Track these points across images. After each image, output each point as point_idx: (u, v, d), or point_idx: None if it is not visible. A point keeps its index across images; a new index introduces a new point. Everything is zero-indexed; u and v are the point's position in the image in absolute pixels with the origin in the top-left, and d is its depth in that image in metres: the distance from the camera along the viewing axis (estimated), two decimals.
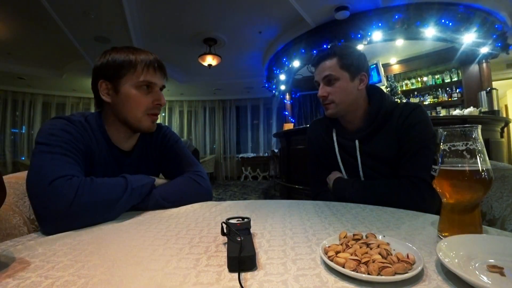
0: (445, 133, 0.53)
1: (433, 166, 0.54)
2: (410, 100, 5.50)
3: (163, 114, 9.36)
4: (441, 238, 0.50)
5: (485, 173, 0.49)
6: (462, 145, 0.50)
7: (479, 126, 0.51)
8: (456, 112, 4.01)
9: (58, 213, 0.61)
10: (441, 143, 0.53)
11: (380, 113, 0.99)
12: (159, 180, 0.89)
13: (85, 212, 0.64)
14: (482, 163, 0.49)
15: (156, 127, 0.92)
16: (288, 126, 5.62)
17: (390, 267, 0.35)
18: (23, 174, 0.85)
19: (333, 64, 0.99)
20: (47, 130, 0.73)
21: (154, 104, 0.86)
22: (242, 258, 0.39)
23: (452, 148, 0.51)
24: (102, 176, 0.79)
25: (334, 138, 1.07)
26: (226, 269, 0.40)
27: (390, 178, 0.97)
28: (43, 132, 0.73)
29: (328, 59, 1.00)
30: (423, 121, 0.95)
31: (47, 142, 0.70)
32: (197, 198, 0.89)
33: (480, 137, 0.51)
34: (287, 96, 7.18)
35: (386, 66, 5.69)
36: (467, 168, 0.49)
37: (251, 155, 9.00)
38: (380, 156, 0.98)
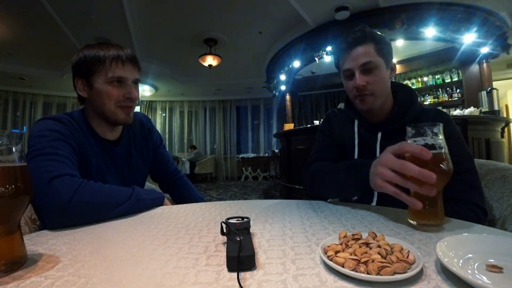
0: (413, 131, 0.59)
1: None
2: None
3: (164, 114, 9.38)
4: (410, 222, 0.58)
5: (445, 164, 0.55)
6: (421, 140, 0.58)
7: (441, 124, 0.58)
8: (457, 112, 4.00)
9: (56, 209, 0.63)
10: (408, 139, 0.60)
11: (410, 112, 0.92)
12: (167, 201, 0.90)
13: (82, 211, 0.66)
14: (443, 154, 0.56)
15: (132, 118, 0.93)
16: (289, 126, 5.62)
17: (389, 267, 0.35)
18: None
19: (371, 49, 0.88)
20: (36, 132, 0.76)
21: (125, 97, 0.87)
22: (241, 257, 0.39)
23: (414, 143, 0.58)
24: (97, 167, 0.85)
25: (356, 129, 1.01)
26: (226, 269, 0.40)
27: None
28: (32, 135, 0.76)
29: (363, 43, 0.88)
30: (461, 136, 0.89)
31: (38, 145, 0.72)
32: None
33: (442, 133, 0.58)
34: (288, 96, 7.19)
35: None
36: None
37: (251, 155, 9.01)
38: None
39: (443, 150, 0.56)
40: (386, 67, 0.91)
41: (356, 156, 1.00)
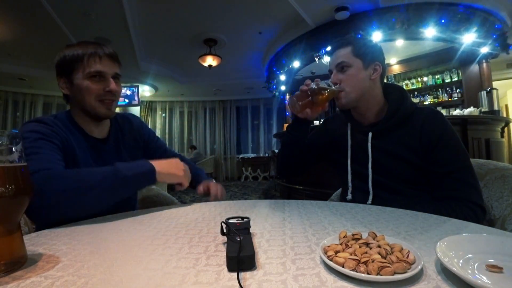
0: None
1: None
2: None
3: (164, 115, 9.37)
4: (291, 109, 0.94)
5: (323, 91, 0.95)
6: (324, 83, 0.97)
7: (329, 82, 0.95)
8: (457, 112, 4.01)
9: (35, 206, 0.62)
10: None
11: (400, 111, 0.95)
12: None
13: (55, 200, 0.65)
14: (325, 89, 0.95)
15: (114, 112, 0.95)
16: None
17: (389, 267, 0.35)
18: None
19: (347, 52, 0.98)
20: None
21: (105, 91, 0.89)
22: (241, 257, 0.39)
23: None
24: (86, 163, 0.85)
25: (348, 132, 1.05)
26: (226, 269, 0.40)
27: (400, 177, 0.92)
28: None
29: (342, 47, 1.00)
30: (455, 134, 0.91)
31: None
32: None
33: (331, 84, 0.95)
34: (287, 97, 7.18)
35: (387, 66, 5.68)
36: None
37: (251, 155, 9.00)
38: (395, 154, 0.94)
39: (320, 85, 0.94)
40: (365, 67, 0.98)
41: (349, 157, 1.03)
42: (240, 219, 0.54)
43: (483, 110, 3.98)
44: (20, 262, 0.42)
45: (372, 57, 0.99)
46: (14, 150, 0.43)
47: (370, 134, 0.98)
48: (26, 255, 0.44)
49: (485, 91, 4.24)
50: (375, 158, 0.96)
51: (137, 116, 1.16)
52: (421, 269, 0.36)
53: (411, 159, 0.91)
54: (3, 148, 0.42)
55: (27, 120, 0.87)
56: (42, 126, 0.81)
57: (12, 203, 0.42)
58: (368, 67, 0.98)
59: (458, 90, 5.13)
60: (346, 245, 0.43)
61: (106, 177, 0.71)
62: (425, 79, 5.56)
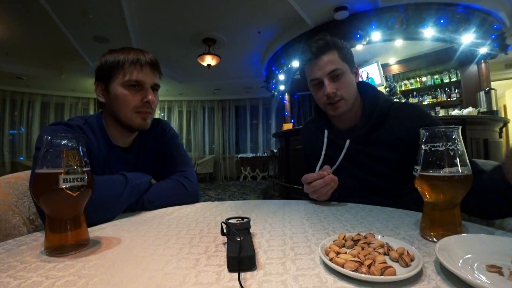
0: (427, 133, 0.53)
1: (415, 166, 0.54)
2: (409, 100, 5.51)
3: (162, 114, 9.36)
4: (424, 238, 0.52)
5: (464, 175, 0.49)
6: (442, 146, 0.51)
7: (459, 127, 0.51)
8: (455, 112, 4.02)
9: None
10: (422, 144, 0.53)
11: (375, 111, 0.93)
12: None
13: (90, 209, 0.65)
14: (461, 165, 0.50)
15: (149, 124, 0.91)
16: (287, 126, 5.62)
17: (389, 267, 0.35)
18: (23, 174, 0.85)
19: (335, 57, 0.90)
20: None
21: (143, 102, 0.85)
22: (241, 258, 0.39)
23: (433, 149, 0.51)
24: (102, 174, 0.82)
25: (325, 139, 1.02)
26: (226, 269, 0.40)
27: (389, 180, 0.91)
28: (41, 137, 0.75)
29: (327, 52, 0.91)
30: (440, 122, 0.87)
31: (36, 154, 0.72)
32: (183, 202, 0.89)
33: (460, 137, 0.51)
34: (286, 96, 7.19)
35: (385, 66, 5.70)
36: (445, 174, 0.50)
37: (250, 155, 9.00)
38: (381, 157, 0.92)
39: (461, 159, 0.50)
40: (351, 71, 0.94)
41: (320, 163, 0.98)
42: (240, 219, 0.54)
43: (481, 110, 3.99)
44: (84, 244, 0.50)
45: (353, 61, 0.96)
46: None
47: (348, 142, 0.96)
48: (89, 238, 0.53)
49: (483, 92, 4.26)
50: (361, 163, 0.95)
51: (171, 130, 1.06)
52: (421, 269, 0.37)
53: (392, 157, 0.90)
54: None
55: (53, 121, 0.83)
56: (64, 131, 0.78)
57: (86, 195, 0.52)
58: (352, 72, 0.96)
59: (456, 90, 5.14)
60: (346, 246, 0.43)
61: (125, 185, 0.76)
62: (424, 79, 5.57)
